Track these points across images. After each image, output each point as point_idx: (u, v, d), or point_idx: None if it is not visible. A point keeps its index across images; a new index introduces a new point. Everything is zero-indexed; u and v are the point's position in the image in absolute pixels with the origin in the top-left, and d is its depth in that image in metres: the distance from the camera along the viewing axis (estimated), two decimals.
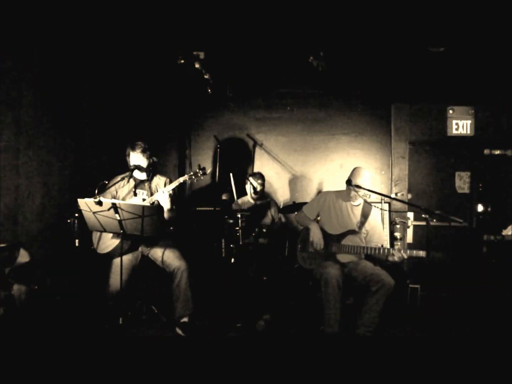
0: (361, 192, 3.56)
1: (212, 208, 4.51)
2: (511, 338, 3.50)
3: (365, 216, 3.65)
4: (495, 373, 2.92)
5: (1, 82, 3.54)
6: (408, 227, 4.86)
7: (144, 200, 3.53)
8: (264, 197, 4.56)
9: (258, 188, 4.37)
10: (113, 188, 3.56)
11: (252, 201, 4.47)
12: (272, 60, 4.90)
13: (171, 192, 3.49)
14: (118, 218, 3.07)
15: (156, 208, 3.30)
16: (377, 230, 3.69)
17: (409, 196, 5.06)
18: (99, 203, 3.01)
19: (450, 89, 4.94)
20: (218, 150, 4.74)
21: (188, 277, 3.46)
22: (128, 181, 3.61)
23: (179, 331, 3.44)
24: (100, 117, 4.52)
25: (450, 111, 5.03)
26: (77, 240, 3.17)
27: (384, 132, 5.10)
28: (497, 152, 4.96)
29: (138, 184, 3.64)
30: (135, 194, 3.59)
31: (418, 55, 4.74)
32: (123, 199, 3.54)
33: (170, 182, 3.58)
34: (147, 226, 3.13)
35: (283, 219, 4.53)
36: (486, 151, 4.98)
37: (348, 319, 3.45)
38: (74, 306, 3.52)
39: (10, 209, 3.60)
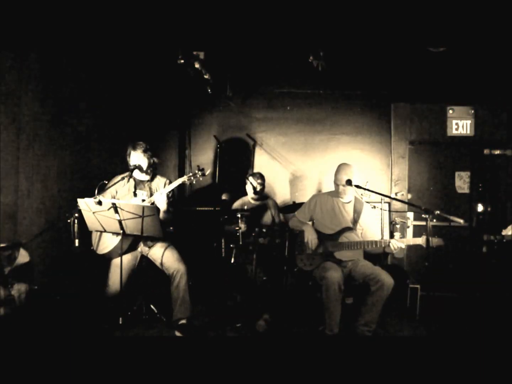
0: (359, 190, 3.59)
1: (212, 208, 4.51)
2: (511, 338, 3.50)
3: (357, 212, 3.69)
4: (495, 373, 2.92)
5: (1, 81, 3.54)
6: (408, 227, 4.86)
7: (143, 200, 3.53)
8: (264, 197, 4.56)
9: (258, 188, 4.37)
10: (113, 188, 3.56)
11: (252, 201, 4.47)
12: (272, 60, 4.90)
13: (169, 193, 3.49)
14: (118, 218, 3.07)
15: (156, 208, 3.30)
16: (372, 225, 3.73)
17: (409, 196, 5.06)
18: (99, 203, 3.01)
19: (450, 89, 4.94)
20: (218, 150, 4.74)
21: (187, 280, 3.46)
22: (128, 181, 3.61)
23: (177, 333, 3.44)
24: (100, 117, 4.52)
25: (450, 111, 5.03)
26: (77, 240, 3.16)
27: (384, 132, 5.11)
28: (497, 152, 4.96)
29: (138, 184, 3.64)
30: (135, 195, 3.59)
31: (418, 55, 4.74)
32: (123, 199, 3.54)
33: (170, 183, 3.58)
34: (147, 226, 3.13)
35: (282, 218, 4.53)
36: (486, 151, 4.97)
37: (348, 319, 3.45)
38: (74, 306, 3.52)
39: (10, 209, 3.60)
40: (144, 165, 3.58)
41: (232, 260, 4.01)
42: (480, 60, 4.74)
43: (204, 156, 5.15)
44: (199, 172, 3.46)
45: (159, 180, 3.70)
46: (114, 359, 2.95)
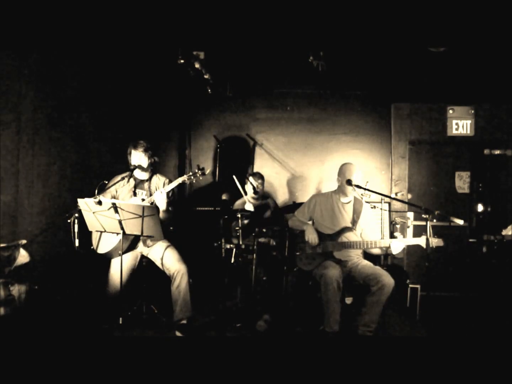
0: (359, 190, 3.59)
1: (212, 208, 4.51)
2: (511, 338, 3.50)
3: (357, 212, 3.69)
4: (495, 373, 2.92)
5: (1, 81, 3.54)
6: (408, 227, 4.86)
7: (143, 200, 3.53)
8: (264, 197, 4.55)
9: (258, 187, 4.37)
10: (113, 188, 3.56)
11: (252, 201, 4.47)
12: (272, 60, 4.90)
13: (169, 193, 3.49)
14: (118, 218, 3.07)
15: (156, 208, 3.30)
16: (371, 224, 3.74)
17: (409, 196, 5.06)
18: (99, 203, 3.01)
19: (450, 89, 4.93)
20: (218, 150, 4.74)
21: (188, 280, 3.46)
22: (128, 181, 3.61)
23: (178, 333, 3.44)
24: (100, 117, 4.52)
25: (450, 111, 5.03)
26: (77, 240, 3.16)
27: (384, 132, 5.10)
28: (497, 152, 4.96)
29: (138, 184, 3.64)
30: (134, 194, 3.59)
31: (418, 55, 4.74)
32: (123, 199, 3.54)
33: (170, 182, 3.58)
34: (147, 226, 3.13)
35: (282, 218, 4.53)
36: (486, 151, 4.97)
37: (348, 319, 3.45)
38: (74, 306, 3.52)
39: (10, 209, 3.60)
40: (145, 164, 3.58)
41: (232, 260, 4.01)
42: (480, 60, 4.73)
43: (204, 156, 5.14)
44: (199, 171, 3.46)
45: (159, 180, 3.69)
46: (114, 359, 2.95)
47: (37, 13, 3.76)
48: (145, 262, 3.66)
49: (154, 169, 3.69)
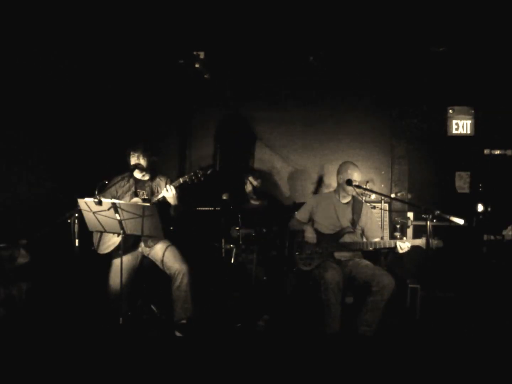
0: (359, 190, 3.60)
1: (212, 208, 4.51)
2: (511, 338, 3.50)
3: (357, 212, 3.69)
4: (495, 373, 2.92)
5: (3, 80, 3.55)
6: (408, 227, 4.85)
7: (144, 200, 3.53)
8: (264, 197, 4.55)
9: (258, 187, 4.37)
10: (113, 188, 3.56)
11: (252, 201, 4.47)
12: (273, 60, 4.90)
13: (177, 188, 3.49)
14: (118, 218, 3.07)
15: (156, 208, 3.29)
16: (372, 225, 3.74)
17: (409, 196, 5.05)
18: (99, 203, 3.01)
19: (450, 89, 4.93)
20: (218, 150, 4.74)
21: (189, 280, 3.45)
22: (128, 181, 3.61)
23: (178, 333, 3.44)
24: (100, 117, 4.52)
25: (450, 111, 5.02)
26: (77, 240, 3.16)
27: (384, 132, 5.10)
28: (497, 152, 4.95)
29: (138, 184, 3.64)
30: (135, 194, 3.59)
31: (419, 55, 4.74)
32: (123, 199, 3.54)
33: (171, 182, 3.59)
34: (147, 226, 3.13)
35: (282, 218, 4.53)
36: (486, 151, 4.97)
37: (349, 319, 3.45)
38: (74, 306, 3.52)
39: (9, 209, 3.60)
40: (144, 165, 3.58)
41: (232, 260, 4.01)
42: (480, 60, 4.74)
43: (204, 156, 5.14)
44: (200, 171, 3.47)
45: (160, 180, 3.70)
46: (114, 359, 2.95)
47: (38, 12, 3.77)
48: (145, 262, 3.65)
49: (154, 169, 3.68)
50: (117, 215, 3.06)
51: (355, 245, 3.54)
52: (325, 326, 3.35)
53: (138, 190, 3.62)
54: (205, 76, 4.68)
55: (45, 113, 3.93)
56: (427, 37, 4.48)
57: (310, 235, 3.61)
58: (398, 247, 3.40)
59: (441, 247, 3.33)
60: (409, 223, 4.84)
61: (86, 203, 3.06)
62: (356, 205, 3.72)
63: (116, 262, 3.42)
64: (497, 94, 4.89)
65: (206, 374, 2.88)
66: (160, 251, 3.55)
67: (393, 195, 4.76)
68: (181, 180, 3.47)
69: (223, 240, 4.03)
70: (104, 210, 3.06)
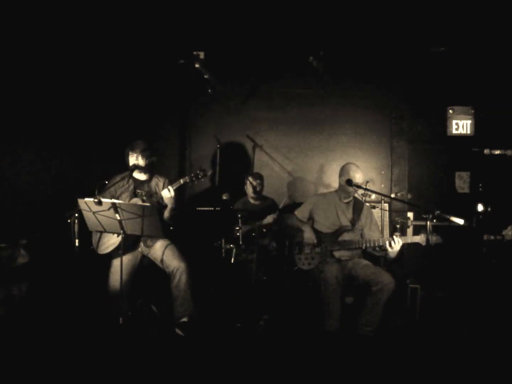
0: (359, 190, 3.60)
1: (212, 208, 4.51)
2: (510, 338, 3.50)
3: (357, 212, 3.70)
4: (495, 373, 2.92)
5: (3, 80, 3.55)
6: (408, 227, 4.85)
7: (144, 200, 3.53)
8: (264, 197, 4.56)
9: (258, 187, 4.37)
10: (112, 188, 3.56)
11: (252, 201, 4.47)
12: (272, 60, 4.90)
13: (176, 190, 3.49)
14: (118, 218, 3.07)
15: (156, 208, 3.30)
16: (372, 225, 3.74)
17: (409, 196, 5.05)
18: (99, 203, 3.01)
19: (450, 89, 4.93)
20: (218, 150, 4.74)
21: (188, 277, 3.45)
22: (127, 181, 3.61)
23: (178, 331, 3.43)
24: (100, 118, 4.52)
25: (450, 111, 5.02)
26: (77, 240, 3.16)
27: (384, 132, 5.10)
28: (497, 152, 4.95)
29: (138, 184, 3.64)
30: (134, 194, 3.59)
31: (419, 55, 4.74)
32: (123, 199, 3.54)
33: (170, 182, 3.59)
34: (147, 226, 3.13)
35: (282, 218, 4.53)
36: (486, 151, 4.97)
37: (349, 318, 3.45)
38: (74, 306, 3.52)
39: (9, 209, 3.60)
40: (143, 165, 3.58)
41: (232, 260, 4.00)
42: (480, 60, 4.74)
43: (204, 156, 5.14)
44: (201, 172, 3.48)
45: (158, 180, 3.70)
46: (114, 359, 2.95)
47: (38, 12, 3.77)
48: (145, 262, 3.65)
49: (152, 169, 3.68)
50: (117, 215, 3.06)
51: (354, 244, 3.55)
52: (325, 325, 3.35)
53: (137, 190, 3.62)
54: (205, 76, 4.68)
55: (45, 113, 3.93)
56: (427, 37, 4.48)
57: (308, 235, 3.61)
58: (387, 243, 3.38)
59: (440, 243, 3.33)
60: (409, 223, 4.84)
61: (86, 203, 3.06)
62: (357, 206, 3.73)
63: (116, 262, 3.42)
64: (497, 94, 4.90)
65: (206, 373, 2.88)
66: (159, 250, 3.55)
67: (393, 195, 4.76)
68: (181, 181, 3.47)
69: (223, 240, 4.02)
70: (104, 210, 3.06)
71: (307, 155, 5.14)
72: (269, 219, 4.03)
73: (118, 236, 3.39)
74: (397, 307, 4.03)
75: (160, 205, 3.53)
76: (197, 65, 4.57)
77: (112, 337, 3.16)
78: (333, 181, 4.96)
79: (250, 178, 4.40)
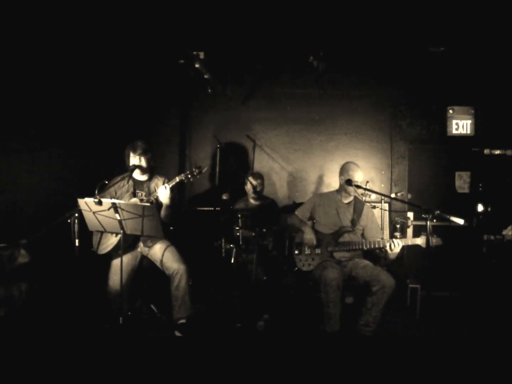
0: (359, 190, 3.60)
1: (212, 208, 4.51)
2: (510, 339, 3.50)
3: (358, 212, 3.70)
4: (495, 373, 2.92)
5: (2, 80, 3.55)
6: (408, 227, 4.85)
7: (142, 200, 3.53)
8: (264, 198, 4.55)
9: (258, 187, 4.37)
10: (112, 189, 3.56)
11: (252, 201, 4.47)
12: (272, 60, 4.90)
13: (173, 188, 3.48)
14: (118, 218, 3.07)
15: (156, 207, 3.30)
16: (373, 225, 3.74)
17: (409, 196, 5.05)
18: (99, 203, 3.01)
19: (450, 89, 4.93)
20: (218, 150, 4.74)
21: (187, 280, 3.45)
22: (127, 182, 3.61)
23: (177, 333, 3.43)
24: (100, 118, 4.52)
25: (450, 111, 5.03)
26: (77, 240, 3.16)
27: (384, 132, 5.10)
28: (497, 152, 4.96)
29: (137, 184, 3.64)
30: (134, 195, 3.59)
31: (419, 55, 4.74)
32: (123, 199, 3.54)
33: (169, 181, 3.58)
34: (147, 226, 3.13)
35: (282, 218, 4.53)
36: (486, 151, 4.97)
37: (349, 318, 3.45)
38: (74, 306, 3.52)
39: (9, 209, 3.60)
40: (143, 165, 3.58)
41: (232, 260, 4.00)
42: (480, 60, 4.74)
43: (204, 156, 5.14)
44: (196, 169, 3.46)
45: (158, 180, 3.70)
46: (114, 359, 2.95)
47: (37, 13, 3.77)
48: (145, 262, 3.66)
49: (152, 170, 3.68)
50: (117, 215, 3.06)
51: (354, 244, 3.55)
52: (325, 325, 3.35)
53: (137, 191, 3.62)
54: (205, 76, 4.67)
55: (45, 113, 3.93)
56: (427, 37, 4.48)
57: (309, 236, 3.61)
58: (388, 246, 3.39)
59: (441, 245, 3.33)
60: (409, 223, 4.85)
61: (86, 203, 3.06)
62: (357, 206, 3.73)
63: (116, 262, 3.42)
64: (497, 94, 4.90)
65: (206, 374, 2.88)
66: (159, 251, 3.55)
67: (393, 195, 4.75)
68: (177, 179, 3.46)
69: (223, 240, 4.02)
70: (104, 210, 3.06)
71: (307, 155, 5.14)
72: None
73: (116, 235, 3.39)
74: (397, 307, 4.04)
75: (158, 204, 3.52)
76: (197, 65, 4.57)
77: (112, 337, 3.16)
78: (333, 181, 4.96)
79: (250, 178, 4.39)
